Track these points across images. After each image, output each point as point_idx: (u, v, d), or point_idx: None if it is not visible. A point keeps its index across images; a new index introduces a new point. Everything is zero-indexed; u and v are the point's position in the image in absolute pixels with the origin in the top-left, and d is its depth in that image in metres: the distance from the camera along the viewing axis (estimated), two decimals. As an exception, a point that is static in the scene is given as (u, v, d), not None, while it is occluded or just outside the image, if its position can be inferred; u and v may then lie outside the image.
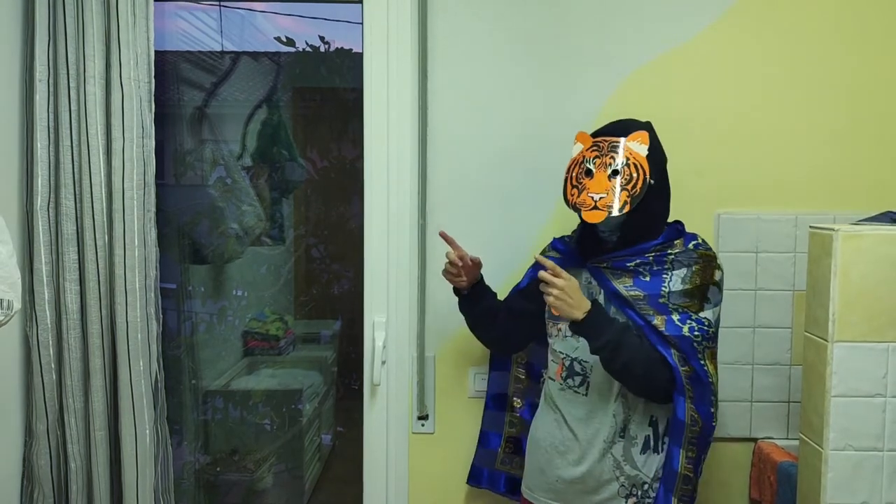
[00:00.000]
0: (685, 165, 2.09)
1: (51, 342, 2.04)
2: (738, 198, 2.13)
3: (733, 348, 2.13)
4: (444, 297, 2.15)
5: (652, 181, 1.69)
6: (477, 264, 1.89)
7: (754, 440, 2.14)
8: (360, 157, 2.19)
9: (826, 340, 1.61)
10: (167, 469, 2.20)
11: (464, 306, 1.96)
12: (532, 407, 2.02)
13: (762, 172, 2.13)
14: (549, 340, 1.87)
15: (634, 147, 1.69)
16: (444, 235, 1.89)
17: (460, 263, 1.86)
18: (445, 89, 2.14)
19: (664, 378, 1.70)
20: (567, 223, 1.97)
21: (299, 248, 3.34)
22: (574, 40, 2.12)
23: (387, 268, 2.16)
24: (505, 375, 2.09)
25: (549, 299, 1.68)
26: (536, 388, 2.04)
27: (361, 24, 2.15)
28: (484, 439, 2.10)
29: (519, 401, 2.06)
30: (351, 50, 3.04)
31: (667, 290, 1.71)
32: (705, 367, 1.70)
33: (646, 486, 1.76)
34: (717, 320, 1.76)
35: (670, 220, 1.85)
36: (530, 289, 1.87)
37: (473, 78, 2.13)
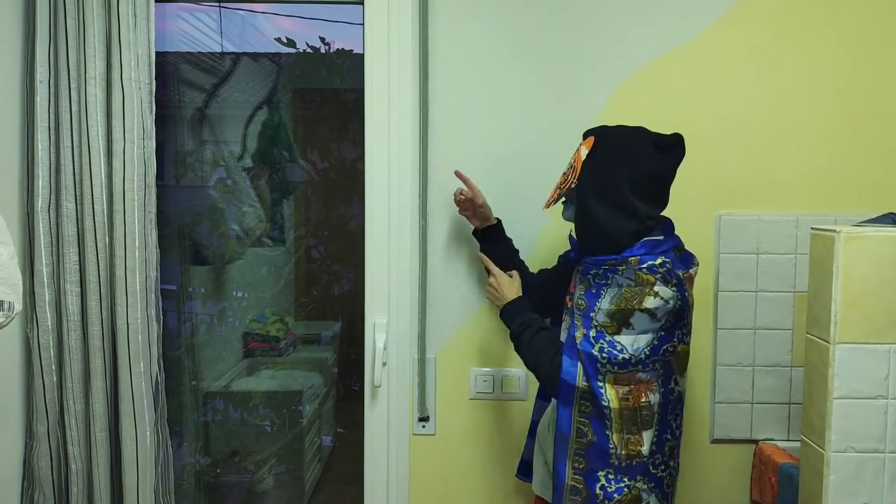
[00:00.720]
0: (685, 167, 2.07)
1: (51, 344, 2.04)
2: (739, 199, 2.13)
3: (734, 350, 2.13)
4: (445, 299, 2.16)
5: (574, 183, 1.72)
6: (480, 205, 2.03)
7: (755, 442, 2.14)
8: (360, 157, 2.18)
9: (828, 342, 1.61)
10: (168, 470, 2.20)
11: (483, 247, 2.08)
12: None
13: (763, 173, 2.13)
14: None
15: (582, 150, 1.73)
16: (458, 173, 2.05)
17: (462, 197, 2.03)
18: (446, 90, 2.14)
19: (544, 377, 1.78)
20: (568, 224, 1.96)
21: (299, 249, 3.34)
22: (574, 41, 2.12)
23: (388, 269, 2.16)
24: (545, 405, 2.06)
25: (486, 288, 1.98)
26: None
27: (362, 25, 2.15)
28: (533, 430, 2.05)
29: None
30: (351, 51, 3.04)
31: (598, 306, 1.67)
32: (601, 390, 1.66)
33: None
34: (645, 349, 1.65)
35: (665, 224, 1.80)
36: (562, 266, 2.01)
37: (474, 79, 2.13)
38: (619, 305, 1.64)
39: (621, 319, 1.64)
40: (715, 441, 2.16)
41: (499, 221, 2.07)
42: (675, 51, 2.11)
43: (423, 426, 2.19)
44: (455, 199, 2.05)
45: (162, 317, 2.15)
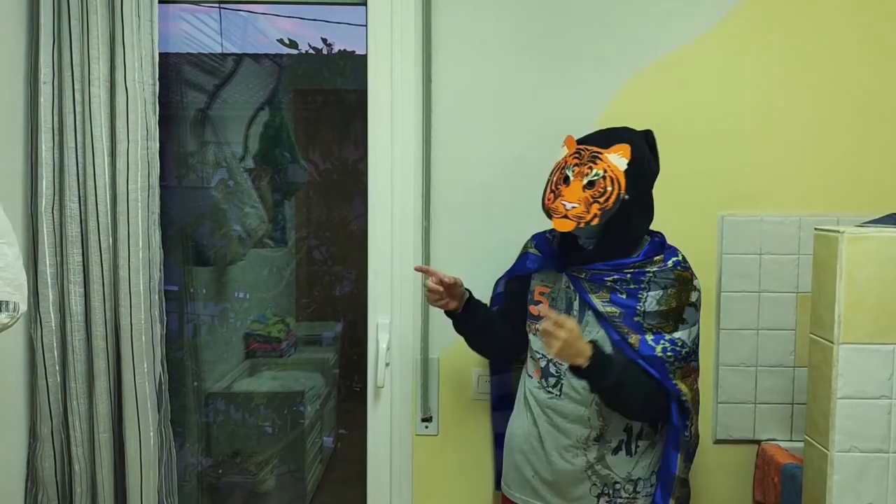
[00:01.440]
0: (688, 168, 2.10)
1: (55, 344, 2.04)
2: (742, 200, 2.13)
3: (737, 350, 2.13)
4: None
5: (626, 196, 1.64)
6: (456, 284, 1.83)
7: (758, 442, 2.15)
8: (361, 158, 2.19)
9: (832, 342, 1.61)
10: (171, 471, 2.20)
11: (460, 326, 1.91)
12: None
13: (765, 174, 2.13)
14: (529, 337, 1.88)
15: (614, 160, 1.65)
16: (419, 268, 1.93)
17: (441, 288, 1.81)
18: (449, 91, 2.14)
19: (662, 405, 1.71)
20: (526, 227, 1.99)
21: (301, 250, 3.34)
22: (577, 43, 2.12)
23: (390, 269, 2.16)
24: (507, 376, 2.10)
25: (552, 351, 1.61)
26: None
27: (365, 25, 2.15)
28: (500, 442, 2.07)
29: None
30: (353, 52, 3.04)
31: (642, 309, 1.69)
32: (677, 386, 1.70)
33: (617, 486, 1.78)
34: (695, 338, 1.76)
35: (662, 228, 1.84)
36: (515, 283, 1.94)
37: (477, 80, 2.14)
38: (670, 305, 1.69)
39: (676, 317, 1.70)
40: (718, 441, 2.17)
41: (470, 293, 1.90)
42: (677, 51, 2.12)
43: (426, 426, 2.19)
44: (429, 298, 1.84)
45: (165, 318, 2.15)
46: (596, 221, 1.63)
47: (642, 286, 1.70)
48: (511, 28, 2.13)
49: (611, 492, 1.78)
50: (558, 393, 1.78)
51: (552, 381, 1.80)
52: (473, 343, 1.98)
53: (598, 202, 1.63)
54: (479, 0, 2.12)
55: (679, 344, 1.70)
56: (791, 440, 2.13)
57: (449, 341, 2.17)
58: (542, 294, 1.84)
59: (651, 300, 1.69)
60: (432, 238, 2.16)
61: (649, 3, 2.12)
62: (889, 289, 1.59)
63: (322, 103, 3.35)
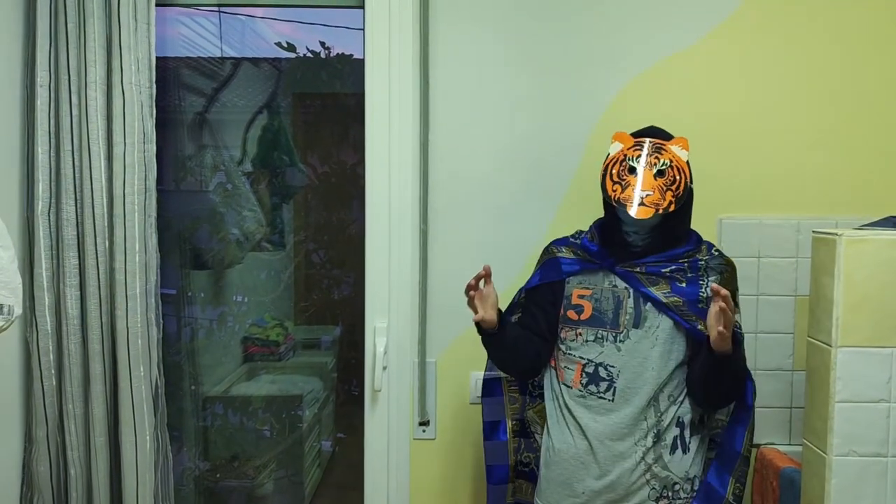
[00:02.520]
0: (687, 170, 2.09)
1: (51, 348, 2.03)
2: (741, 203, 2.13)
3: (735, 354, 2.12)
4: (445, 303, 2.15)
5: (692, 186, 1.75)
6: (489, 275, 1.76)
7: (756, 446, 2.13)
8: (360, 162, 2.18)
9: (830, 345, 1.61)
10: (167, 476, 2.19)
11: (494, 342, 1.82)
12: (524, 423, 2.00)
13: (764, 177, 2.12)
14: (562, 344, 1.82)
15: (677, 151, 1.72)
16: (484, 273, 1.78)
17: (474, 282, 1.74)
18: (447, 94, 2.14)
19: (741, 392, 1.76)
20: (569, 229, 1.96)
21: (299, 254, 3.33)
22: (575, 46, 2.12)
23: (388, 273, 2.16)
24: (499, 400, 2.02)
25: (721, 329, 1.59)
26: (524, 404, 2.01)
27: (362, 30, 2.15)
28: (493, 474, 2.00)
29: (517, 423, 2.00)
30: (352, 55, 3.04)
31: (704, 295, 1.72)
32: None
33: (676, 487, 1.75)
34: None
35: None
36: (541, 292, 1.85)
37: (475, 83, 2.13)
38: (729, 288, 1.68)
39: (734, 301, 1.73)
40: (716, 445, 2.16)
41: (500, 310, 1.83)
42: (676, 55, 2.12)
43: (424, 430, 2.18)
44: (470, 293, 1.75)
45: (162, 321, 2.15)
46: (672, 208, 1.69)
47: (700, 273, 1.74)
48: (509, 32, 2.12)
49: (670, 494, 1.75)
50: (612, 397, 1.74)
51: (604, 385, 1.75)
52: (503, 357, 1.88)
53: (671, 190, 1.69)
54: (476, 3, 2.12)
55: (739, 327, 1.72)
56: (790, 444, 2.12)
57: (446, 345, 2.16)
58: (581, 297, 1.79)
59: (708, 285, 1.72)
60: (430, 242, 2.16)
61: (647, 7, 2.11)
62: (887, 292, 1.59)
63: (321, 107, 3.34)
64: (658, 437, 1.73)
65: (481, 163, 2.14)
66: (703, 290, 1.73)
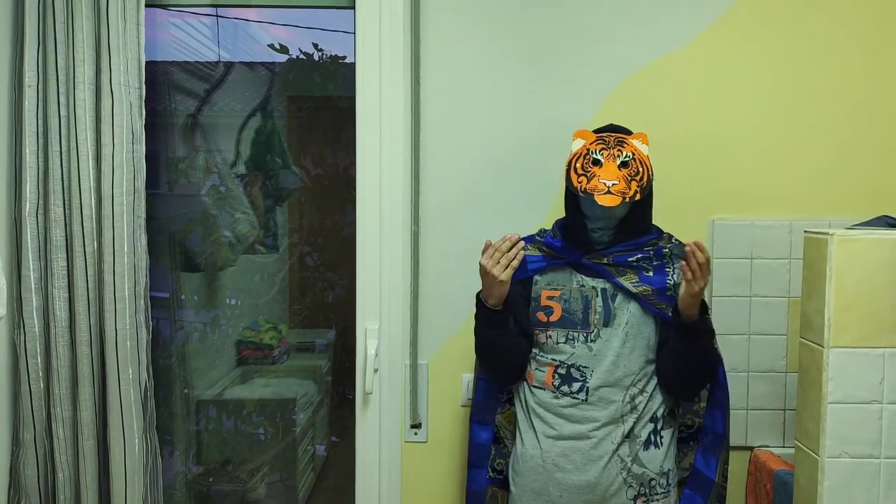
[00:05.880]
0: (679, 171, 2.09)
1: (39, 350, 2.02)
2: (732, 204, 2.12)
3: (728, 356, 2.09)
4: (437, 305, 2.14)
5: (652, 176, 1.76)
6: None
7: (750, 449, 2.13)
8: (353, 164, 2.17)
9: (822, 346, 1.60)
10: (157, 479, 2.18)
11: (500, 321, 1.79)
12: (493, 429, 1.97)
13: (756, 178, 2.12)
14: (532, 349, 1.82)
15: (638, 145, 1.76)
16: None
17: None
18: (438, 95, 2.13)
19: (713, 373, 1.82)
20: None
21: (293, 256, 3.32)
22: (567, 47, 2.12)
23: (379, 275, 2.15)
24: (490, 428, 1.97)
25: (701, 285, 1.65)
26: (492, 408, 1.97)
27: (353, 30, 2.14)
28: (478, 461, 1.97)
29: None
30: (345, 58, 3.04)
31: (671, 282, 1.75)
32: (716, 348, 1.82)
33: (653, 483, 1.76)
34: None
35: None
36: (512, 290, 1.79)
37: (466, 84, 2.13)
38: None
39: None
40: (710, 448, 2.14)
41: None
42: (668, 55, 2.11)
43: (416, 433, 2.17)
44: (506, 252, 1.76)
45: (151, 323, 2.13)
46: (638, 197, 1.71)
47: (665, 261, 1.77)
48: (502, 32, 2.12)
49: (647, 491, 1.76)
50: (585, 397, 1.74)
51: (577, 385, 1.75)
52: (497, 348, 1.83)
53: (634, 180, 1.71)
54: (467, 4, 2.11)
55: (707, 311, 1.76)
56: (783, 446, 2.11)
57: (438, 347, 2.15)
58: (550, 299, 1.79)
59: (677, 273, 1.75)
60: (421, 243, 2.15)
61: (639, 7, 2.11)
62: (879, 292, 1.58)
63: (314, 109, 3.34)
64: (632, 434, 1.74)
65: (473, 164, 2.13)
66: (670, 277, 1.75)
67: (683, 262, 1.66)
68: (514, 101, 2.12)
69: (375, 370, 2.14)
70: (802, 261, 1.70)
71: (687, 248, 1.66)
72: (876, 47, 2.11)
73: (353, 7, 2.14)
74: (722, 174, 2.11)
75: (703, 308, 1.72)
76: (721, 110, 2.12)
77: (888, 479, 1.59)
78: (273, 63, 3.10)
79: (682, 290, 1.68)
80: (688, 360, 1.73)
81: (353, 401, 2.22)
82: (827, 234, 1.59)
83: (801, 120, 2.11)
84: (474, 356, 2.10)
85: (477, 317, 1.83)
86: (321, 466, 3.29)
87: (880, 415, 1.59)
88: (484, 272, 1.76)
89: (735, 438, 2.12)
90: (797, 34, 2.11)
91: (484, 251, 1.77)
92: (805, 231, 1.69)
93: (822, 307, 1.60)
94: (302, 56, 3.04)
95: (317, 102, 3.31)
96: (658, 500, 1.76)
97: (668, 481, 1.79)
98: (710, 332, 1.76)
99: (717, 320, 2.10)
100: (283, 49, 2.99)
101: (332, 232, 3.31)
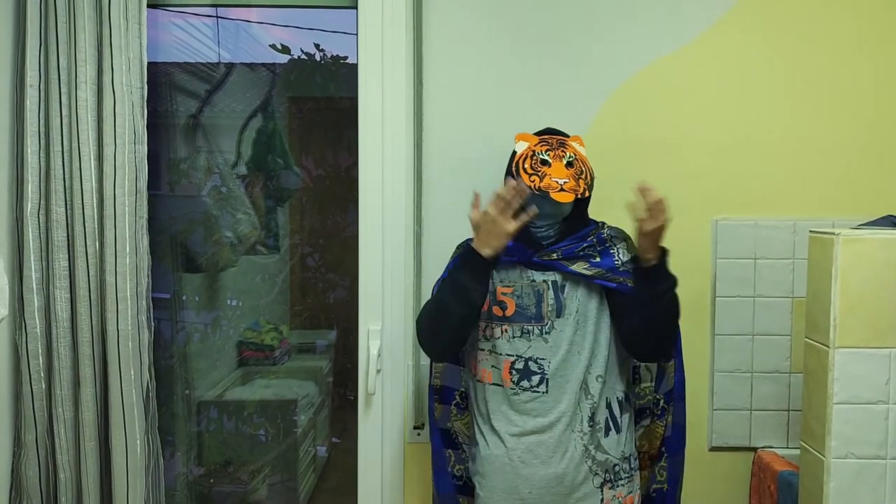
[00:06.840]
0: (682, 172, 2.09)
1: (40, 351, 2.01)
2: (736, 204, 2.11)
3: (732, 356, 2.11)
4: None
5: (593, 175, 1.84)
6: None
7: (754, 449, 2.12)
8: (354, 165, 2.17)
9: (827, 346, 1.59)
10: (158, 480, 2.17)
11: (482, 276, 1.73)
12: (450, 434, 1.98)
13: (759, 178, 2.11)
14: (486, 343, 1.81)
15: (577, 147, 1.84)
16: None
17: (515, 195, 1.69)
18: (440, 96, 2.12)
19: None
20: None
21: (294, 257, 3.32)
22: (569, 47, 2.11)
23: (382, 275, 2.14)
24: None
25: (662, 220, 1.65)
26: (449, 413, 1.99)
27: (356, 29, 2.13)
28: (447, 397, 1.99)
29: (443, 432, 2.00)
30: (346, 58, 3.04)
31: (619, 261, 1.81)
32: None
33: (616, 468, 1.79)
34: None
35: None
36: None
37: (468, 84, 2.12)
38: (633, 252, 1.80)
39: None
40: (713, 449, 2.14)
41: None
42: (671, 55, 2.11)
43: (418, 434, 2.16)
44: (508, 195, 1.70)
45: (153, 324, 2.13)
46: (587, 193, 1.80)
47: (608, 245, 1.83)
48: (503, 33, 2.11)
49: (612, 476, 1.79)
50: (545, 389, 1.76)
51: (536, 378, 1.76)
52: (470, 303, 1.73)
53: (581, 178, 1.79)
54: (470, 4, 2.11)
55: (667, 255, 1.77)
56: (787, 447, 2.10)
57: (440, 347, 2.14)
58: (504, 294, 1.81)
59: (622, 252, 1.82)
60: (424, 244, 2.14)
61: (641, 7, 2.10)
62: (885, 292, 1.57)
63: (315, 110, 3.34)
64: (593, 421, 1.77)
65: (475, 163, 2.12)
66: (616, 258, 1.81)
67: (632, 202, 1.68)
68: (516, 101, 2.12)
69: (378, 371, 2.13)
70: (808, 261, 1.69)
71: (639, 186, 1.66)
72: (880, 47, 2.10)
73: (355, 7, 2.13)
74: (725, 174, 2.11)
75: (663, 255, 1.72)
76: (723, 110, 2.11)
77: (894, 480, 1.59)
78: (274, 64, 3.10)
79: (638, 231, 1.69)
80: (651, 310, 1.72)
81: (354, 402, 2.22)
82: (833, 234, 1.59)
83: (804, 120, 2.11)
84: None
85: (456, 269, 1.76)
86: (322, 467, 3.29)
87: (886, 415, 1.58)
88: (488, 222, 1.71)
89: (739, 439, 2.12)
90: (799, 34, 2.10)
91: (474, 204, 1.74)
92: (810, 231, 1.69)
93: (827, 307, 1.59)
94: (303, 56, 3.04)
95: (318, 103, 3.31)
96: (622, 485, 1.80)
97: (630, 465, 1.83)
98: (671, 278, 1.72)
99: (721, 321, 2.11)
100: (285, 49, 2.99)
101: (333, 233, 3.31)
